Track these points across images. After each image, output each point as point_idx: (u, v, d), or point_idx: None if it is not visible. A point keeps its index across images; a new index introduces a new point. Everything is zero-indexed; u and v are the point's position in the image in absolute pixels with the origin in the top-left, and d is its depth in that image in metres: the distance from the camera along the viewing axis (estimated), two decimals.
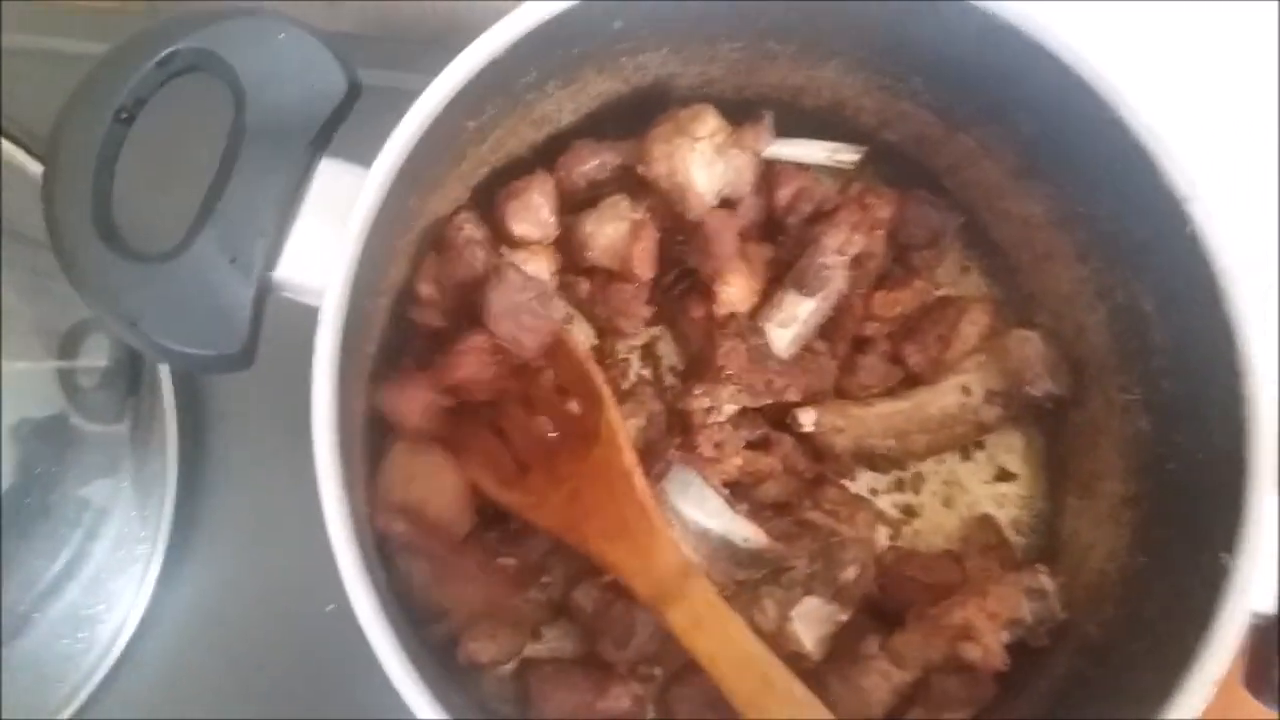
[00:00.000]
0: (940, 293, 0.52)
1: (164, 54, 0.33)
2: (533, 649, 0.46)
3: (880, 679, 0.43)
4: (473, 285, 0.43)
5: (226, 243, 0.33)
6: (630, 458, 0.39)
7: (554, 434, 0.44)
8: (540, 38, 0.38)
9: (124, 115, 0.33)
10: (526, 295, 0.42)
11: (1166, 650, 0.38)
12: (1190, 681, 0.36)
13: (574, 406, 0.44)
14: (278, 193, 0.34)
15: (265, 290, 0.34)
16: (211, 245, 0.33)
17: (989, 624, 0.41)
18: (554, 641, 0.47)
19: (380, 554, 0.40)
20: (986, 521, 0.49)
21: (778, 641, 0.42)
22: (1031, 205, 0.48)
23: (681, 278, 0.50)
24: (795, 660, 0.42)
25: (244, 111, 0.34)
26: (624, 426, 0.40)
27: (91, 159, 0.32)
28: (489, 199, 0.46)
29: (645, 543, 0.38)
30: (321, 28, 0.36)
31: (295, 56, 0.35)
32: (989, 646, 0.41)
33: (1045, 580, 0.44)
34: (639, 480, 0.39)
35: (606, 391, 0.40)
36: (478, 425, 0.44)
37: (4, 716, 0.46)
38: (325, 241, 0.34)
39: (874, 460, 0.49)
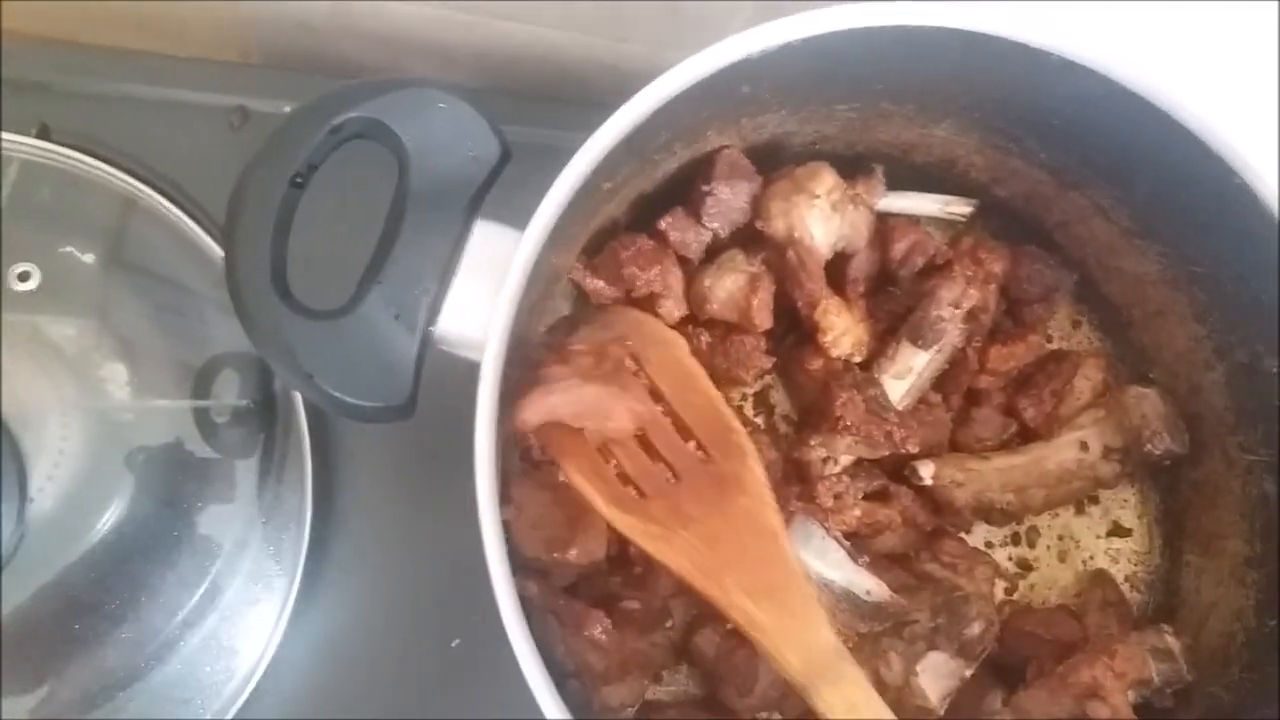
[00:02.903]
0: (1052, 346, 0.52)
1: (336, 122, 0.35)
2: (654, 692, 0.47)
3: None
4: None
5: (392, 300, 0.35)
6: (778, 519, 0.39)
7: (673, 479, 0.45)
8: (673, 107, 0.39)
9: (299, 180, 0.35)
10: None
11: None
12: None
13: (697, 451, 0.44)
14: (438, 253, 0.36)
15: (427, 345, 0.36)
16: (379, 303, 0.35)
17: (1116, 683, 0.42)
18: (675, 686, 0.47)
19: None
20: (1102, 576, 0.49)
21: (902, 695, 0.43)
22: (1145, 264, 0.48)
23: (791, 329, 0.51)
24: (920, 714, 0.43)
25: (407, 176, 0.36)
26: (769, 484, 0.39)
27: (270, 223, 0.34)
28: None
29: (797, 611, 0.37)
30: (470, 85, 0.38)
31: (454, 124, 0.37)
32: (1117, 706, 0.41)
33: (1171, 640, 0.44)
34: (786, 543, 0.38)
35: (749, 444, 0.40)
36: (581, 440, 0.42)
37: None
38: (482, 299, 0.36)
39: (990, 514, 0.49)
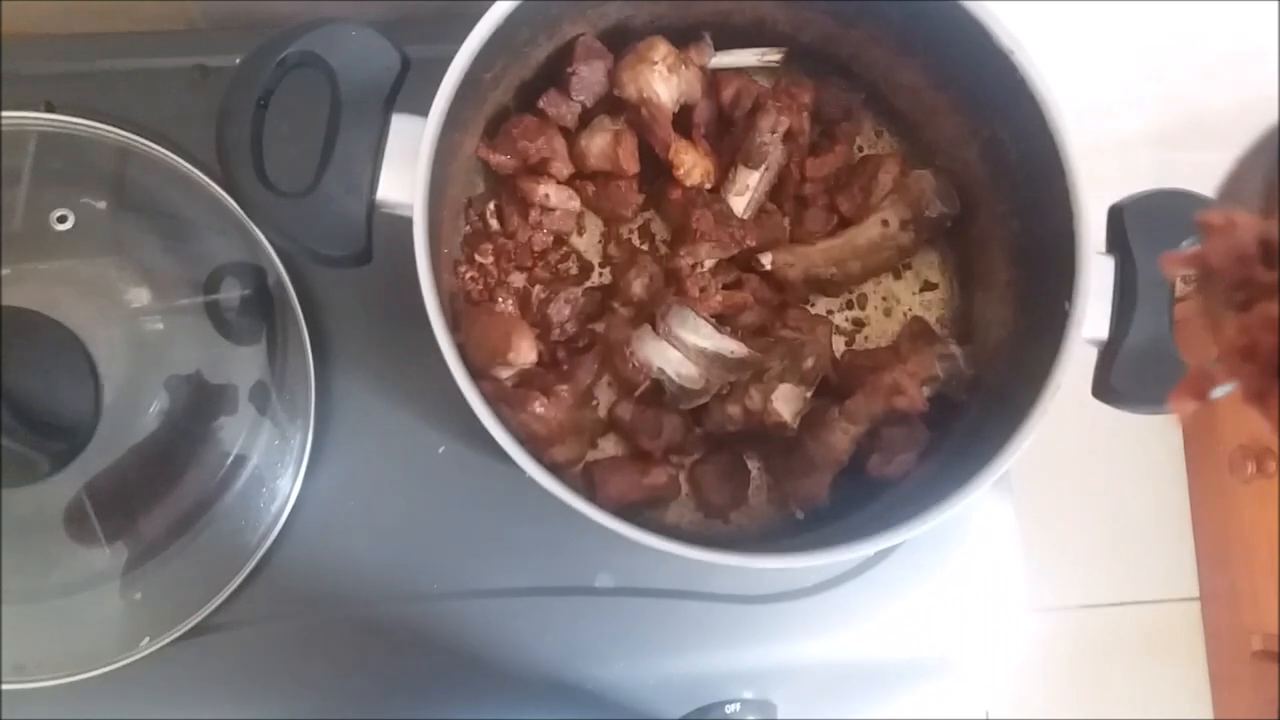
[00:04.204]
0: (863, 154, 0.67)
1: (280, 56, 0.49)
2: (593, 454, 0.62)
3: (841, 434, 0.59)
4: None
5: (341, 179, 0.49)
6: None
7: None
8: (526, 7, 0.53)
9: (262, 103, 0.49)
10: None
11: (1035, 376, 0.54)
12: (1048, 388, 0.52)
13: None
14: (369, 141, 0.50)
15: (372, 208, 0.50)
16: (332, 182, 0.49)
17: (910, 380, 0.57)
18: (606, 450, 0.63)
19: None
20: (917, 320, 0.65)
21: (763, 418, 0.58)
22: (914, 75, 0.63)
23: (658, 174, 0.65)
24: (779, 429, 0.59)
25: (338, 89, 0.50)
26: None
27: (246, 134, 0.48)
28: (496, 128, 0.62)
29: None
30: (382, 18, 0.51)
31: (366, 48, 0.50)
32: (912, 395, 0.57)
33: (954, 348, 0.60)
34: None
35: None
36: None
37: (209, 559, 0.63)
38: (405, 169, 0.50)
39: (824, 286, 0.64)
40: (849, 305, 0.66)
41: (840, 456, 0.59)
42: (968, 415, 0.60)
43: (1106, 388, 0.55)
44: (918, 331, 0.63)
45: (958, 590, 0.70)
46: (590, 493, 0.60)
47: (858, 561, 0.69)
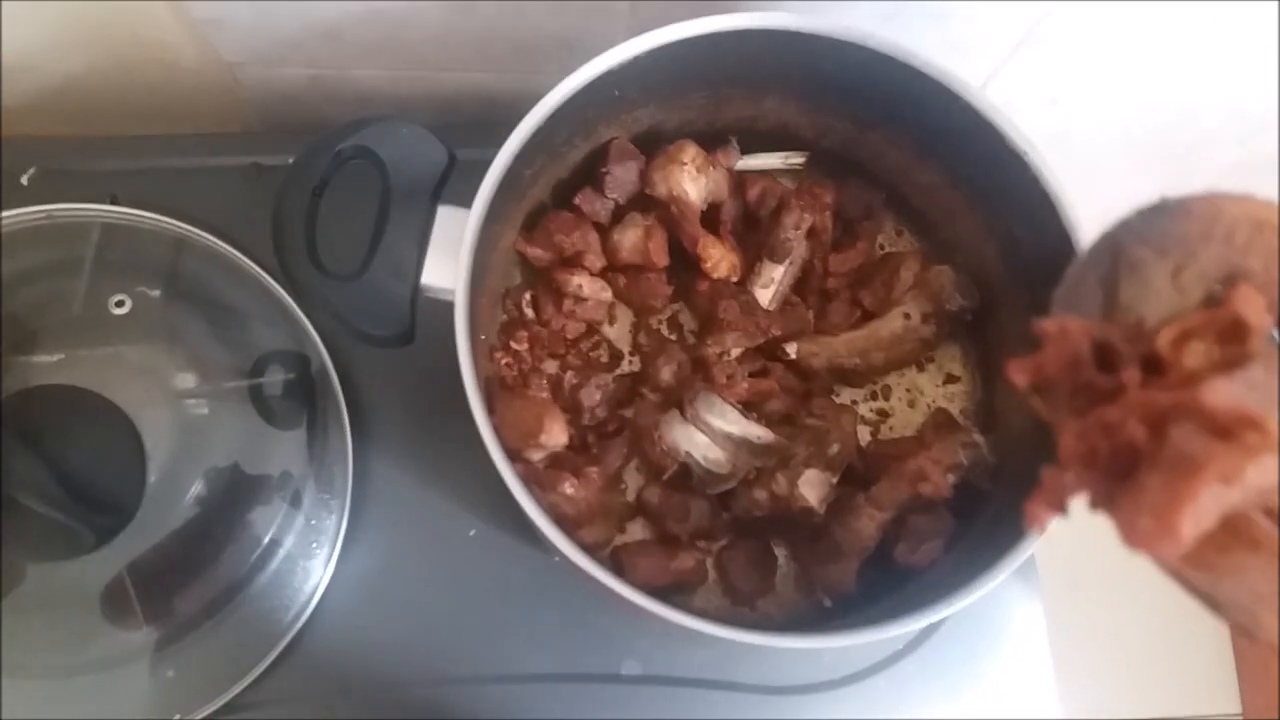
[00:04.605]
0: (884, 251, 0.70)
1: (337, 149, 0.52)
2: (620, 539, 0.63)
3: (868, 520, 0.59)
4: None
5: (389, 264, 0.52)
6: None
7: None
8: (565, 111, 0.56)
9: (317, 192, 0.52)
10: None
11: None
12: None
13: None
14: (416, 229, 0.53)
15: (417, 292, 0.53)
16: (380, 267, 0.52)
17: (935, 467, 0.58)
18: (634, 534, 0.64)
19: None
20: (940, 411, 0.66)
21: (790, 503, 0.59)
22: (932, 176, 0.65)
23: (687, 267, 0.68)
24: (806, 515, 0.59)
25: (388, 181, 0.53)
26: None
27: (301, 221, 0.52)
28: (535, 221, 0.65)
29: None
30: (426, 123, 0.55)
31: (415, 144, 0.54)
32: (936, 481, 0.58)
33: (977, 436, 0.61)
34: None
35: None
36: None
37: (241, 638, 0.63)
38: (449, 257, 0.53)
39: (848, 376, 0.66)
40: (874, 396, 0.68)
41: (867, 543, 0.60)
42: (992, 503, 0.61)
43: None
44: (941, 421, 0.65)
45: (986, 698, 0.69)
46: (618, 576, 0.61)
47: (885, 655, 0.68)
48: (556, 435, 0.60)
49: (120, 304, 0.66)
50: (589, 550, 0.60)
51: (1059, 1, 0.65)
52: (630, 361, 0.67)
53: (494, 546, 0.67)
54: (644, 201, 0.65)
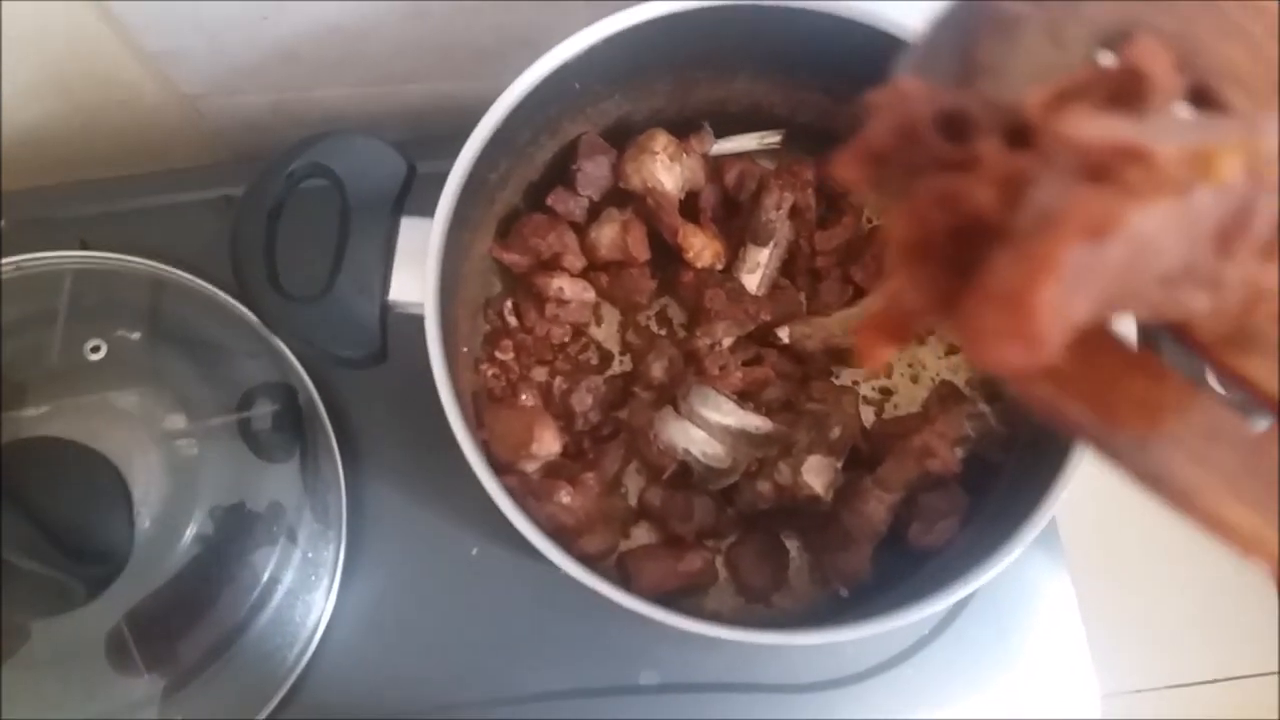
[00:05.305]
0: (871, 225, 0.67)
1: (289, 169, 0.51)
2: (626, 545, 0.61)
3: (876, 503, 0.57)
4: None
5: (354, 282, 0.51)
6: None
7: None
8: (524, 109, 0.55)
9: (273, 215, 0.50)
10: None
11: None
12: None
13: None
14: (379, 242, 0.51)
15: (385, 309, 0.51)
16: (345, 285, 0.50)
17: (941, 441, 0.56)
18: (639, 539, 0.62)
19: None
20: (945, 383, 0.64)
21: (795, 492, 0.57)
22: None
23: (669, 259, 0.66)
24: (813, 503, 0.57)
25: (346, 197, 0.52)
26: None
27: (259, 244, 0.50)
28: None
29: None
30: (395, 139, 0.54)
31: (372, 155, 0.52)
32: (943, 456, 0.55)
33: (983, 406, 0.58)
34: None
35: None
36: None
37: (247, 678, 0.62)
38: (416, 269, 0.51)
39: (844, 356, 0.63)
40: (874, 374, 0.65)
41: (878, 527, 0.57)
42: (1006, 475, 0.58)
43: None
44: (946, 394, 0.62)
45: (1020, 678, 0.66)
46: (625, 584, 0.59)
47: (910, 643, 0.66)
48: (548, 444, 0.58)
49: (95, 349, 0.64)
50: (592, 559, 0.58)
51: None
52: (621, 361, 0.65)
53: (498, 564, 0.65)
54: (619, 196, 0.63)
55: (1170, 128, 0.21)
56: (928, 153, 0.23)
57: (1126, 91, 0.22)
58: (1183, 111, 0.24)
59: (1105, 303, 0.21)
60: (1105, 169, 0.20)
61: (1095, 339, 0.22)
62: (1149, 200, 0.19)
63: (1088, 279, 0.19)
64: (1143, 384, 0.24)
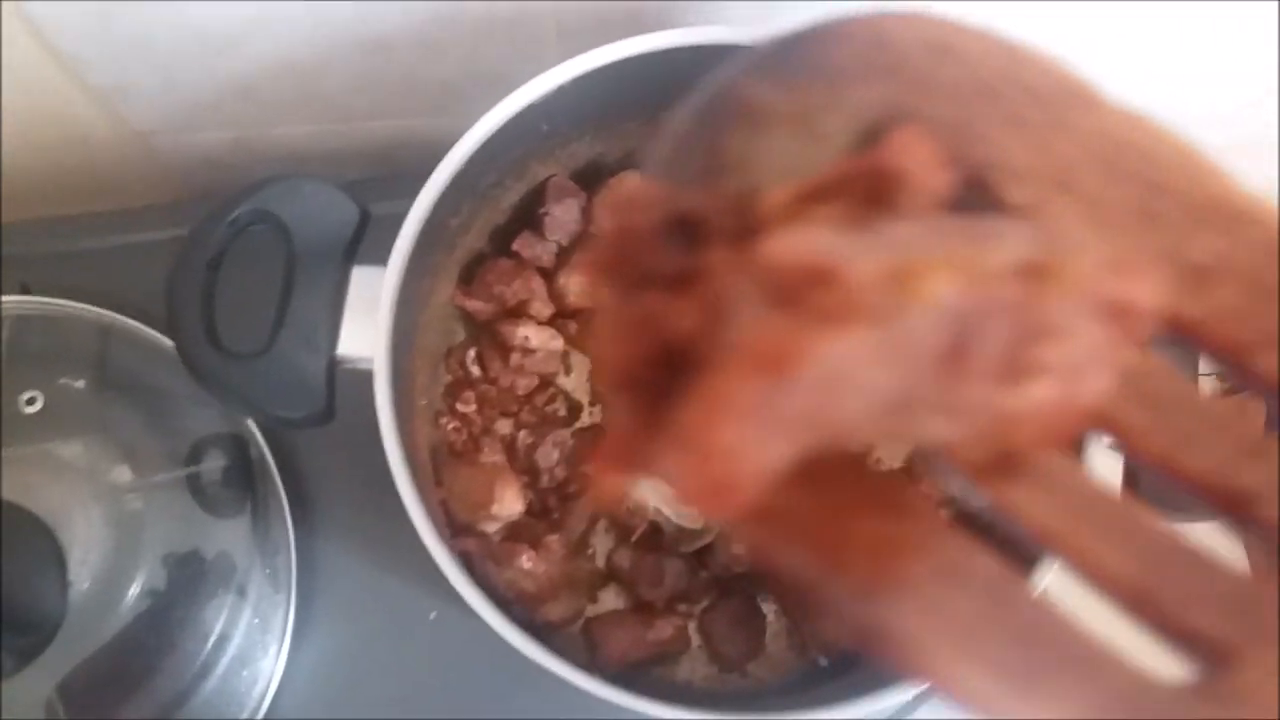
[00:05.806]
0: None
1: (231, 217, 0.48)
2: (592, 610, 0.58)
3: None
4: None
5: (299, 336, 0.47)
6: None
7: None
8: (487, 151, 0.52)
9: (214, 264, 0.47)
10: None
11: None
12: None
13: None
14: (328, 293, 0.48)
15: (333, 364, 0.48)
16: (288, 340, 0.47)
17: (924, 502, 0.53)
18: (609, 604, 0.59)
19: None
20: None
21: None
22: None
23: None
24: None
25: (292, 244, 0.48)
26: None
27: (196, 297, 0.47)
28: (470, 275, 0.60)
29: None
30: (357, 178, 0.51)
31: (322, 200, 0.49)
32: None
33: None
34: None
35: None
36: None
37: None
38: (366, 323, 0.48)
39: None
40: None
41: None
42: (997, 532, 0.55)
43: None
44: (929, 453, 0.59)
45: None
46: (592, 652, 0.55)
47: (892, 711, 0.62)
48: (510, 504, 0.55)
49: (31, 401, 0.61)
50: (556, 627, 0.55)
51: None
52: (591, 413, 0.62)
53: (458, 629, 0.61)
54: (590, 241, 0.60)
55: (897, 239, 0.18)
56: (653, 262, 0.20)
57: (879, 191, 0.19)
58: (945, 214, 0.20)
59: (816, 437, 0.18)
60: (794, 292, 0.17)
61: (829, 471, 0.19)
62: (838, 328, 0.16)
63: (781, 416, 0.17)
64: (878, 521, 0.21)
